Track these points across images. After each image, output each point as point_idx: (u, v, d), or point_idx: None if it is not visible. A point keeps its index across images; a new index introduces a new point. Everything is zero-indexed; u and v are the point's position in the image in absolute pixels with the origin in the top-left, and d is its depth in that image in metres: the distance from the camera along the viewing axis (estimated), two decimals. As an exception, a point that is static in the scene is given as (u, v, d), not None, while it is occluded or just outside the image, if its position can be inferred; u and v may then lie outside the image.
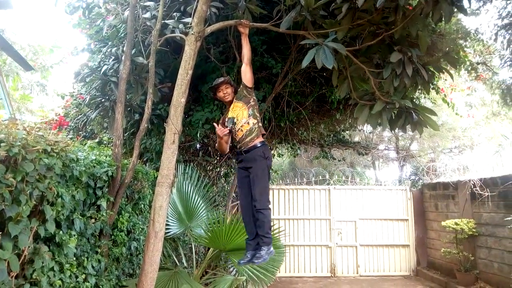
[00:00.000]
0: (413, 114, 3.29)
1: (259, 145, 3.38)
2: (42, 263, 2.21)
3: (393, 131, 12.26)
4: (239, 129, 3.40)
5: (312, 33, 3.37)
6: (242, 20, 3.52)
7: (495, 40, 5.78)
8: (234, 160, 7.16)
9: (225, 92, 3.54)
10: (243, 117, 3.41)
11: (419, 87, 3.51)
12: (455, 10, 3.15)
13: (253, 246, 3.40)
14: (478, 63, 6.46)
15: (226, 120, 3.47)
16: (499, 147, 7.67)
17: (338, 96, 6.06)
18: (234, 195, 7.23)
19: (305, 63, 3.07)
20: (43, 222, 2.26)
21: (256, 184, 3.28)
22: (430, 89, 3.45)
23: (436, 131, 11.11)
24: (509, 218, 5.93)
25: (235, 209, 7.55)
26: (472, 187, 7.30)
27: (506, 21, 5.62)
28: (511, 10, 5.58)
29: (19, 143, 1.99)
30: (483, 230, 7.11)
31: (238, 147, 3.47)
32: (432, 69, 3.48)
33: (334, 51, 3.07)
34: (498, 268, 6.67)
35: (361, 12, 3.13)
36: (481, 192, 7.06)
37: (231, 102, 3.54)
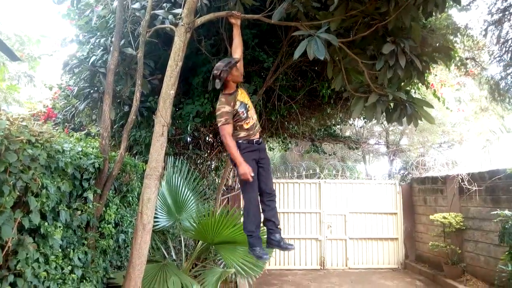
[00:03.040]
0: (408, 107, 3.28)
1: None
2: (27, 254, 2.18)
3: (383, 125, 12.38)
4: (250, 116, 3.27)
5: (305, 24, 3.34)
6: (233, 12, 3.49)
7: (485, 35, 5.82)
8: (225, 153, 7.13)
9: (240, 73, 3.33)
10: (252, 106, 3.36)
11: (414, 79, 3.50)
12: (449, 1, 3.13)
13: (259, 237, 3.31)
14: (467, 59, 6.50)
15: (239, 104, 3.21)
16: (487, 142, 7.76)
17: (330, 91, 6.10)
18: (224, 188, 7.23)
19: (297, 54, 3.04)
20: (28, 213, 2.23)
21: (270, 174, 3.39)
22: (425, 80, 3.44)
23: (426, 126, 11.24)
24: (496, 212, 6.01)
25: (225, 202, 7.56)
26: (460, 181, 7.39)
27: (495, 17, 5.67)
28: (501, 6, 5.62)
29: (2, 133, 1.95)
30: (470, 224, 7.21)
31: (247, 135, 3.26)
32: (426, 59, 3.45)
33: (327, 43, 3.05)
34: (484, 261, 6.79)
35: (354, 2, 3.10)
36: (469, 187, 7.15)
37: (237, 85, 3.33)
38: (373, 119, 3.38)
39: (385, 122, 10.74)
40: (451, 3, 3.23)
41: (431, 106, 3.37)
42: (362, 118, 8.07)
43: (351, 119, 8.95)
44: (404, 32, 3.30)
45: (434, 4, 3.01)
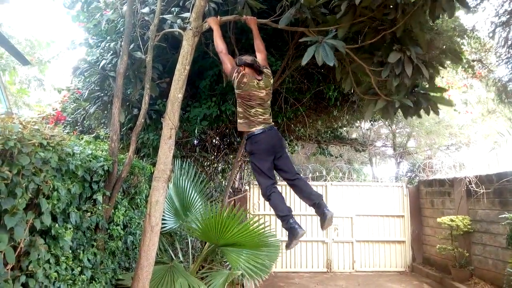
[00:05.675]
0: (423, 100, 3.30)
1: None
2: (38, 255, 2.22)
3: (390, 128, 12.33)
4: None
5: (312, 30, 3.37)
6: (243, 17, 3.55)
7: (492, 37, 5.80)
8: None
9: None
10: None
11: (422, 85, 3.50)
12: (457, 5, 3.11)
13: None
14: (474, 61, 6.47)
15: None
16: (495, 144, 7.71)
17: (336, 93, 6.11)
18: (231, 190, 7.25)
19: (305, 60, 3.06)
20: (39, 215, 2.27)
21: None
22: (435, 85, 3.50)
23: (433, 129, 11.19)
24: (504, 215, 5.97)
25: (231, 204, 7.58)
26: (468, 184, 7.34)
27: (503, 18, 5.64)
28: (508, 8, 5.60)
29: (15, 137, 2.00)
30: (478, 227, 7.16)
31: None
32: (435, 64, 3.46)
33: (335, 48, 3.07)
34: (492, 264, 6.73)
35: (362, 8, 3.12)
36: (477, 189, 7.10)
37: None
38: (388, 119, 3.43)
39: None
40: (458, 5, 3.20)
41: (444, 90, 3.43)
42: (364, 122, 8.04)
43: (358, 121, 8.94)
44: (412, 38, 3.31)
45: (441, 9, 3.02)
